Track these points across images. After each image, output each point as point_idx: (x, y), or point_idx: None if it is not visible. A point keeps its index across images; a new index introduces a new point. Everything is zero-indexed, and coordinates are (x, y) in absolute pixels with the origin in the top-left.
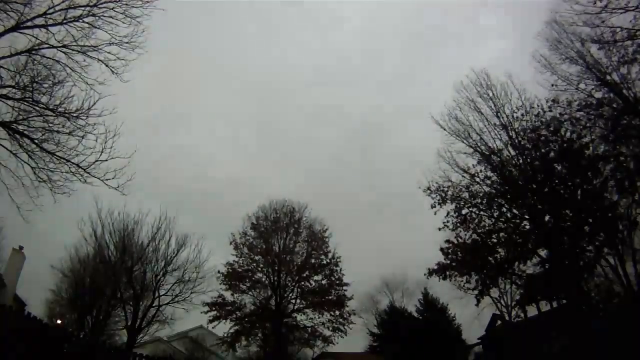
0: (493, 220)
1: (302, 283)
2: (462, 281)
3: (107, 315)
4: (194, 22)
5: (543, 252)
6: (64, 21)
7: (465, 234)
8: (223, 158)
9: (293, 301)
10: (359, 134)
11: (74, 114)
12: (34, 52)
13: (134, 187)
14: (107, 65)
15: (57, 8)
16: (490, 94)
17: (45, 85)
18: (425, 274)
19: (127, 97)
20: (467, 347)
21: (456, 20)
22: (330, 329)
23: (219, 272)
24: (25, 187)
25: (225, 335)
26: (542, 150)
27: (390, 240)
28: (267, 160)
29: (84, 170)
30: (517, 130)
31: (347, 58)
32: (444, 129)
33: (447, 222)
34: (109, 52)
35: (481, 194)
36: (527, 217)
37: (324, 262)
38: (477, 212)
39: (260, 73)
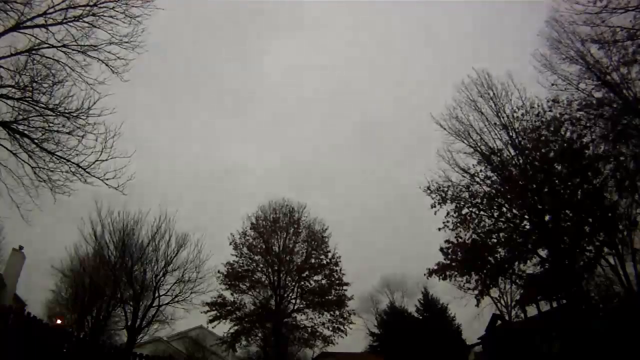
0: (493, 220)
1: (302, 283)
2: (462, 281)
3: (107, 315)
4: None
5: (543, 252)
6: (64, 21)
7: (465, 234)
8: None
9: (293, 301)
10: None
11: (74, 114)
12: (33, 51)
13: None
14: (107, 65)
15: (57, 8)
16: (491, 94)
17: (45, 85)
18: (425, 274)
19: None
20: (467, 347)
21: None
22: (330, 329)
23: (219, 272)
24: (25, 187)
25: (225, 335)
26: (543, 150)
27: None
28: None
29: (84, 170)
30: (517, 130)
31: None
32: (444, 129)
33: (447, 222)
34: (109, 52)
35: (481, 194)
36: (527, 217)
37: (324, 262)
38: (477, 212)
39: None
